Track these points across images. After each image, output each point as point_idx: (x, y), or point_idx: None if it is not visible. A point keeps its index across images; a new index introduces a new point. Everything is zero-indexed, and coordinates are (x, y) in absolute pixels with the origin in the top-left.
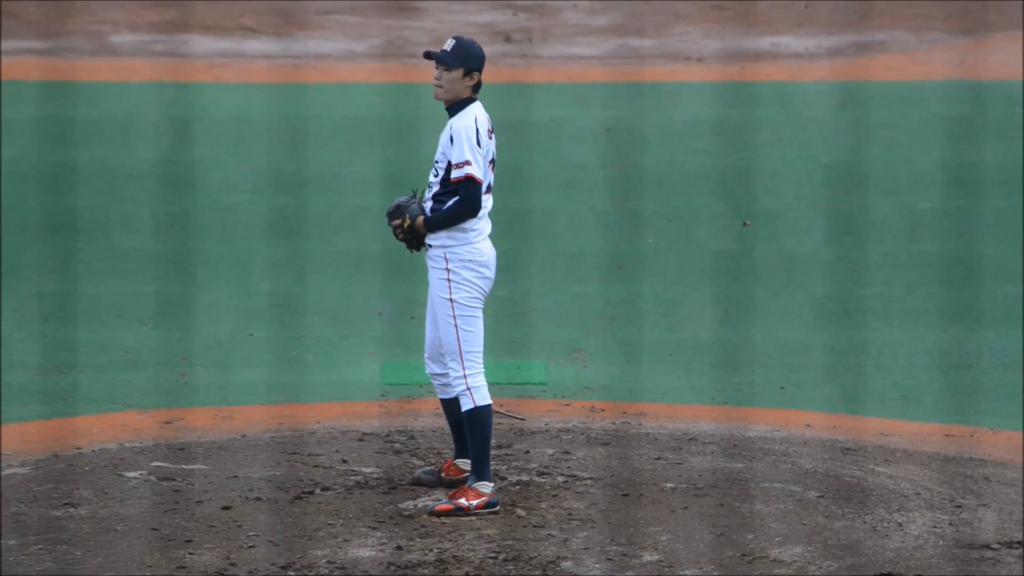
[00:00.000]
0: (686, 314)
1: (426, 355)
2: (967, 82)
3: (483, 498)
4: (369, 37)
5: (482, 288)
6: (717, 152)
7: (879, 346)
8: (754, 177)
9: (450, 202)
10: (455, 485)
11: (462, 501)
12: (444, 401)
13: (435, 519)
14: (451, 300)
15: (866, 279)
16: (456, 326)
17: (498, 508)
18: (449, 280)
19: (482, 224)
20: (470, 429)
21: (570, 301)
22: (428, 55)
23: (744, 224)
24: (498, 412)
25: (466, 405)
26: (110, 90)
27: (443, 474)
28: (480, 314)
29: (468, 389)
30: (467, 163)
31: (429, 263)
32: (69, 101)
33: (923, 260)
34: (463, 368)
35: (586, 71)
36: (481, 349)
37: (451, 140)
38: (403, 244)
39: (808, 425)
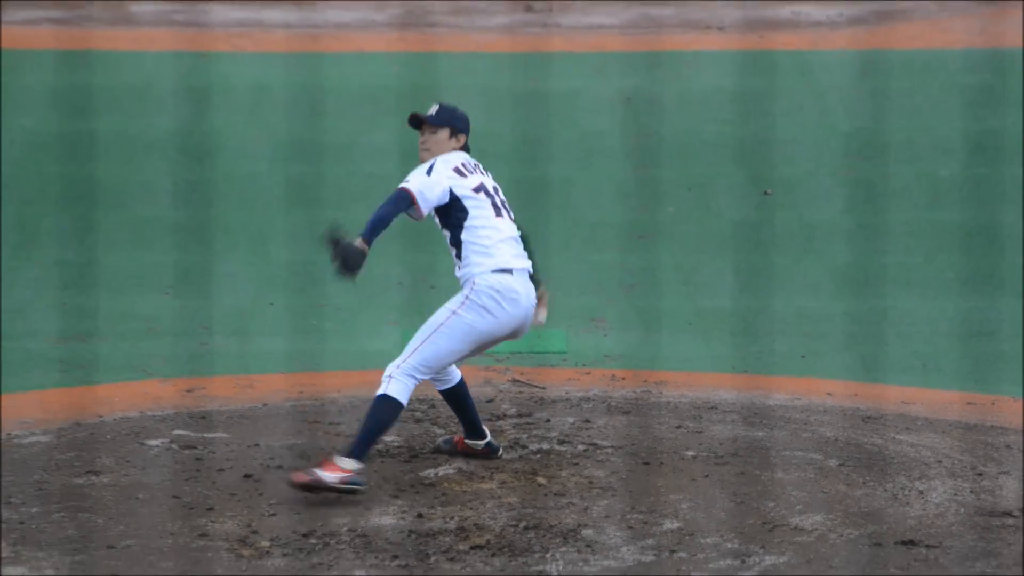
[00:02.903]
0: (706, 283)
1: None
2: (989, 50)
3: (344, 474)
4: (388, 6)
5: (492, 318)
6: (736, 121)
7: (899, 314)
8: (773, 146)
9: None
10: (469, 455)
11: (320, 473)
12: (442, 392)
13: (307, 493)
14: (453, 312)
15: (886, 247)
16: (433, 332)
17: (362, 488)
18: (466, 298)
19: (497, 253)
20: (370, 410)
21: (589, 270)
22: (414, 121)
23: (765, 193)
24: (519, 381)
25: (381, 389)
26: (129, 60)
27: (456, 447)
28: (462, 345)
29: (390, 377)
30: (408, 180)
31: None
32: (88, 70)
33: (943, 228)
34: (404, 361)
35: (605, 40)
36: (433, 369)
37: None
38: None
39: (829, 393)
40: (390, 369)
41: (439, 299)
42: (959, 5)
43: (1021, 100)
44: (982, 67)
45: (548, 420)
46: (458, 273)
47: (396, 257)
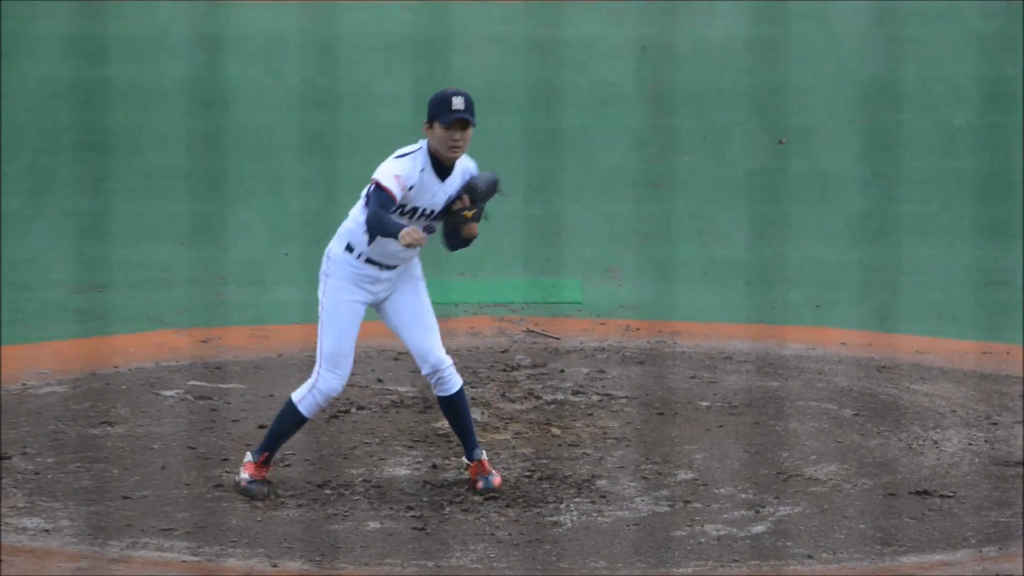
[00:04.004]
0: (721, 232)
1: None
2: None
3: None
4: None
5: None
6: (752, 69)
7: (914, 263)
8: (789, 94)
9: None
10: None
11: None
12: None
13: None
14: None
15: (901, 195)
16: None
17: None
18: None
19: None
20: (460, 409)
21: (604, 219)
22: (466, 120)
23: (780, 142)
24: (533, 331)
25: (457, 382)
26: (142, 8)
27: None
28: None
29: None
30: None
31: (411, 272)
32: (101, 19)
33: (959, 176)
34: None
35: None
36: None
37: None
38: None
39: (843, 343)
40: (451, 369)
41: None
42: None
43: None
44: (998, 14)
45: (562, 371)
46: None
47: None
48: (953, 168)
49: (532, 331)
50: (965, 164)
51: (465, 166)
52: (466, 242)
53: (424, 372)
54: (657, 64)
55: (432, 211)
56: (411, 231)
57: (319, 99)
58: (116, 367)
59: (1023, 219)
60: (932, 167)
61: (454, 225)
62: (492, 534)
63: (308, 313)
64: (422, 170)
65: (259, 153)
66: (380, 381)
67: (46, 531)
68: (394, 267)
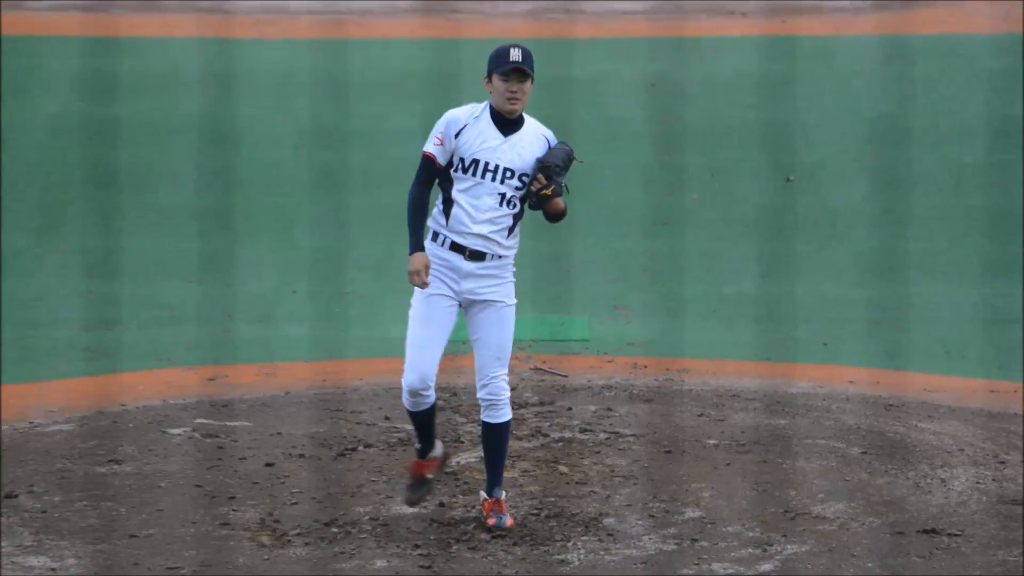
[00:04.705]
0: (729, 269)
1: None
2: (1014, 35)
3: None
4: None
5: None
6: (760, 106)
7: (923, 301)
8: (797, 131)
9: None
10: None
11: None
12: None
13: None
14: (513, 304)
15: (910, 233)
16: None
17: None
18: (514, 283)
19: None
20: (501, 442)
21: (613, 256)
22: (522, 70)
23: (788, 179)
24: (541, 369)
25: (507, 415)
26: (154, 46)
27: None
28: None
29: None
30: None
31: (496, 271)
32: (114, 56)
33: (967, 214)
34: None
35: (630, 26)
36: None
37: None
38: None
39: (851, 381)
40: (506, 392)
41: None
42: None
43: None
44: (1007, 52)
45: (570, 408)
46: (506, 252)
47: None
48: (962, 205)
49: (540, 369)
50: (973, 201)
51: (541, 131)
52: (557, 216)
53: (479, 395)
54: (665, 101)
55: (499, 168)
56: (418, 261)
57: (329, 135)
58: (123, 405)
59: None
60: (940, 204)
61: (539, 204)
62: (499, 572)
63: (316, 350)
64: (477, 117)
65: (269, 190)
66: (387, 419)
67: (52, 570)
68: (479, 257)
